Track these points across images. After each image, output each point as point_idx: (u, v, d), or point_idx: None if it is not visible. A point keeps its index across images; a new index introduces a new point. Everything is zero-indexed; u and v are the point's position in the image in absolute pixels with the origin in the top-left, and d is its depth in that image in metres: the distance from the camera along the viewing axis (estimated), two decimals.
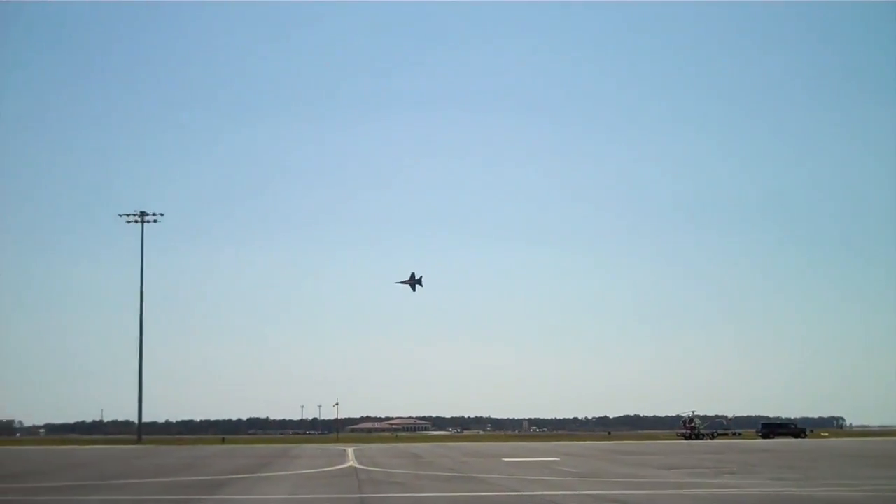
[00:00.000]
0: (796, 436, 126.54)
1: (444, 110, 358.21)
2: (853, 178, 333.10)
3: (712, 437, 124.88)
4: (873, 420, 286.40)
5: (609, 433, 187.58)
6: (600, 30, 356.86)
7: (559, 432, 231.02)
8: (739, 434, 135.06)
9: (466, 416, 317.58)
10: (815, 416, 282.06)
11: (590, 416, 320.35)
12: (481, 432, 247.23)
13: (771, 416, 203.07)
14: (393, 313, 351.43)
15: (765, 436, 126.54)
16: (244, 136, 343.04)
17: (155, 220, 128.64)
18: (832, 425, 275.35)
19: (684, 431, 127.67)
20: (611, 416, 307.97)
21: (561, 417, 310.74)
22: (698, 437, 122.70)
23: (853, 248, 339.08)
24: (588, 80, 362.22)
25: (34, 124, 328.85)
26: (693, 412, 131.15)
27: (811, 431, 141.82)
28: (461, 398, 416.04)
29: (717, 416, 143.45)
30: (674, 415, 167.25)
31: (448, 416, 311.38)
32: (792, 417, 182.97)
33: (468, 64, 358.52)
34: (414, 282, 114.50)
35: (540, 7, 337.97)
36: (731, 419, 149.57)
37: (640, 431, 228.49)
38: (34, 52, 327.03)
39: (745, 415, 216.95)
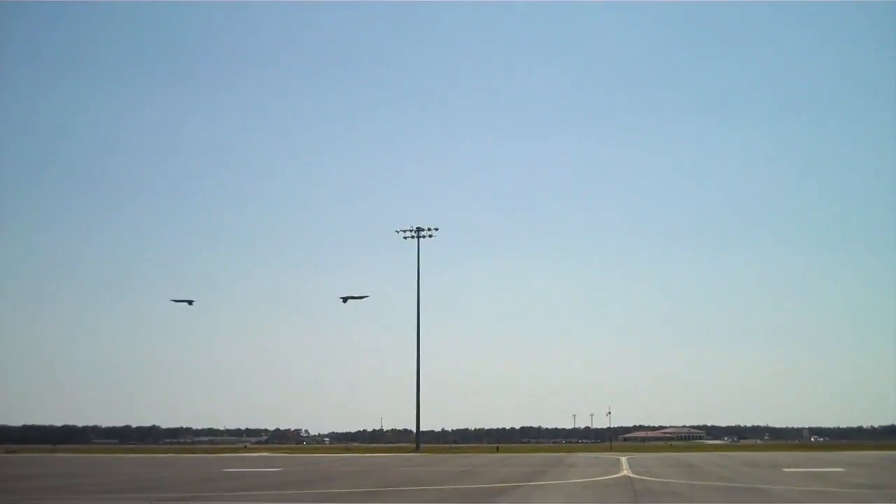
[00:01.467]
0: None
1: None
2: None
3: None
4: None
5: None
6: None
7: (843, 441, 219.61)
8: None
9: (742, 424, 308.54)
10: None
11: (876, 425, 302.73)
12: (759, 441, 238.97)
13: None
14: (657, 319, 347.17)
15: None
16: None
17: (430, 235, 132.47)
18: None
19: None
20: None
21: (844, 426, 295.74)
22: None
23: None
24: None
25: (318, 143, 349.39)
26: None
27: None
28: (737, 405, 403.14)
29: None
30: None
31: (723, 424, 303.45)
32: None
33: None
34: (352, 298, 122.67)
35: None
36: None
37: None
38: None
39: None
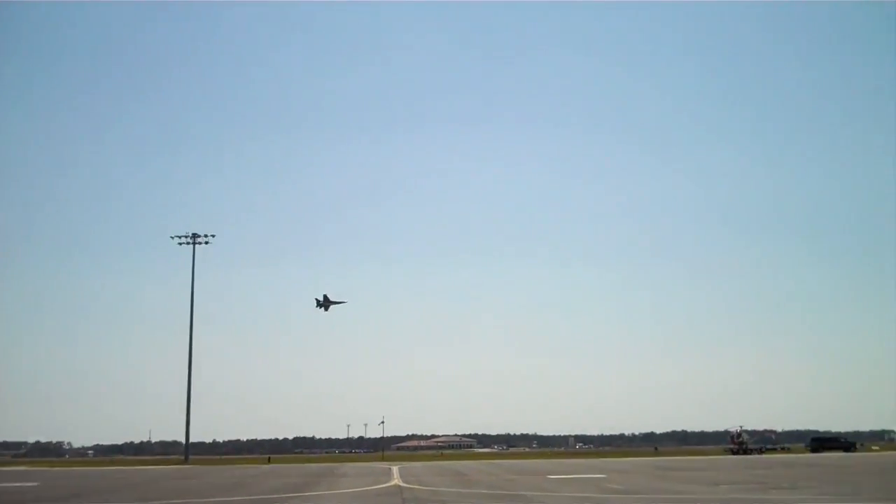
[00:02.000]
0: (846, 450, 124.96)
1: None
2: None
3: (760, 451, 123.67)
4: None
5: (656, 449, 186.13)
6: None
7: (605, 449, 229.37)
8: (788, 449, 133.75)
9: (512, 433, 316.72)
10: (866, 429, 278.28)
11: (636, 432, 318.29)
12: (527, 449, 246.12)
13: (820, 430, 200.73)
14: (437, 331, 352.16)
15: (814, 450, 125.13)
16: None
17: (206, 242, 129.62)
18: (883, 439, 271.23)
19: (732, 447, 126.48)
20: (657, 432, 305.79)
21: (607, 434, 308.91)
22: (746, 452, 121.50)
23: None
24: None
25: (90, 145, 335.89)
26: (741, 427, 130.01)
27: (861, 445, 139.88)
28: (506, 415, 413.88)
29: (765, 431, 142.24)
30: (722, 430, 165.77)
31: (493, 433, 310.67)
32: (842, 431, 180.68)
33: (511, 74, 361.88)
34: (327, 303, 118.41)
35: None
36: (779, 434, 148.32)
37: (687, 447, 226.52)
38: (88, 71, 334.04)
39: (793, 429, 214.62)
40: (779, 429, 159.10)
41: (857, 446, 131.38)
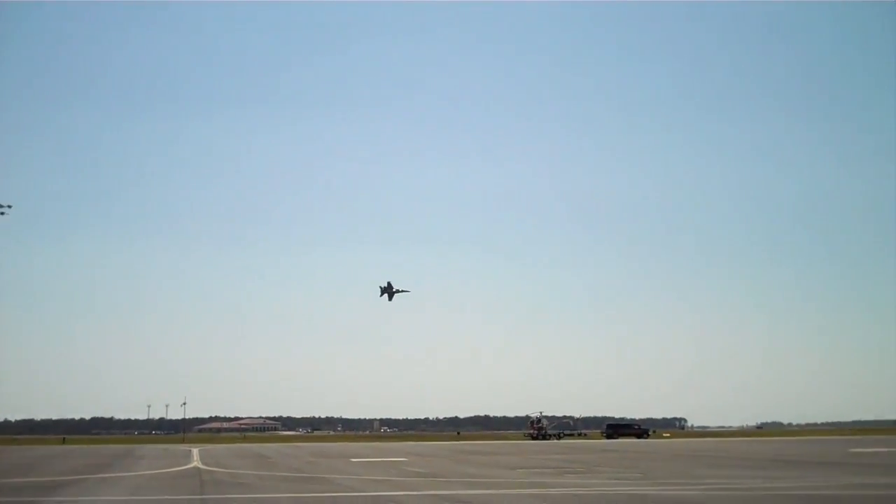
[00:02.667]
0: (639, 436, 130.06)
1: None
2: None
3: (559, 437, 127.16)
4: (713, 421, 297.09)
5: (458, 433, 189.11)
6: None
7: (409, 432, 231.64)
8: (585, 434, 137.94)
9: (317, 416, 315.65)
10: (659, 416, 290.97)
11: (440, 417, 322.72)
12: (332, 433, 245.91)
13: (616, 416, 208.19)
14: (241, 311, 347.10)
15: (609, 436, 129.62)
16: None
17: (1, 213, 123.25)
18: (675, 426, 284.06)
19: (532, 432, 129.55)
20: (461, 417, 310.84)
21: (412, 418, 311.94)
22: (545, 437, 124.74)
23: (702, 256, 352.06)
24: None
25: None
26: (541, 413, 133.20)
27: (654, 432, 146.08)
28: (312, 398, 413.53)
29: (564, 417, 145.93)
30: (522, 415, 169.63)
31: (298, 416, 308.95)
32: (636, 418, 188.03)
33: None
34: (390, 292, 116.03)
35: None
36: (577, 420, 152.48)
37: (489, 432, 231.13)
38: None
39: (591, 415, 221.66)
40: (577, 415, 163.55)
41: (650, 433, 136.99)
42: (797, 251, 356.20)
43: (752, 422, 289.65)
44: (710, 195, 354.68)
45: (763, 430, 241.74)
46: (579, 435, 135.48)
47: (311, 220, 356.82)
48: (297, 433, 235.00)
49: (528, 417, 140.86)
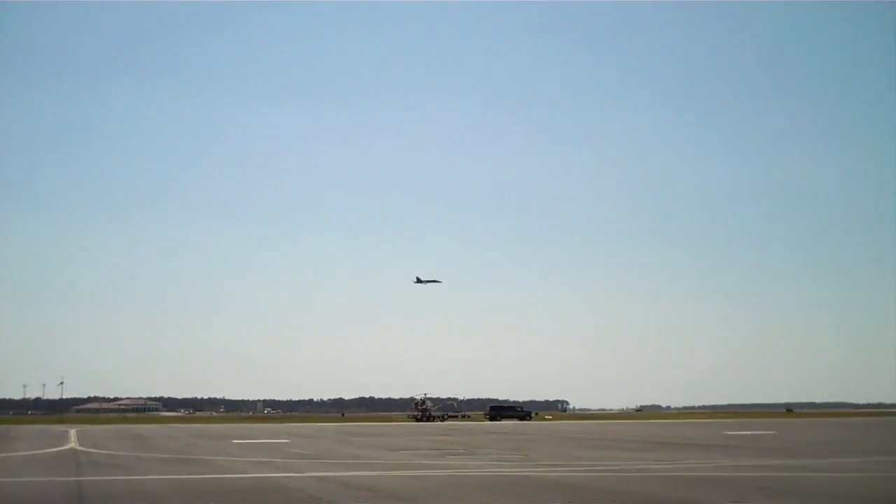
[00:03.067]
0: (522, 418, 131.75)
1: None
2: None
3: (443, 419, 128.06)
4: (594, 404, 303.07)
5: (343, 415, 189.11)
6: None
7: (293, 414, 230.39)
8: (469, 416, 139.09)
9: (199, 396, 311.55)
10: (542, 399, 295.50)
11: (325, 398, 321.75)
12: (214, 414, 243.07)
13: (500, 399, 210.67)
14: (122, 289, 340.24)
15: (492, 418, 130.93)
16: None
17: None
18: (557, 408, 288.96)
19: (416, 413, 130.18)
20: (346, 398, 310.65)
21: (296, 399, 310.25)
22: (429, 419, 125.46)
23: (586, 240, 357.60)
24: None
25: None
26: (425, 395, 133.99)
27: (536, 414, 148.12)
28: (194, 379, 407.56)
29: (448, 399, 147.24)
30: (407, 397, 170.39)
31: (180, 396, 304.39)
32: (520, 401, 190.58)
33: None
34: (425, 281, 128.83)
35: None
36: (461, 402, 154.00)
37: (373, 413, 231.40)
38: None
39: (475, 397, 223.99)
40: (461, 397, 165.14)
41: (533, 415, 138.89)
42: (684, 237, 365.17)
43: (632, 405, 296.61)
44: (597, 185, 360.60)
45: (642, 412, 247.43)
46: (463, 417, 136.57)
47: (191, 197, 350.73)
48: (179, 414, 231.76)
49: (412, 399, 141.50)
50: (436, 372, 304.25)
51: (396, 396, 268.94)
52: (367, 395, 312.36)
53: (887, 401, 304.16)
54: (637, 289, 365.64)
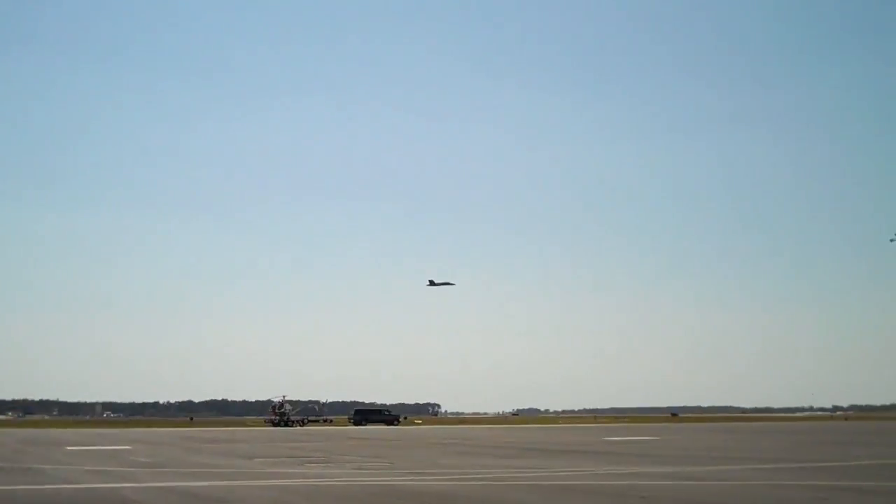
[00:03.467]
0: (389, 423, 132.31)
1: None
2: None
3: (303, 423, 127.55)
4: (468, 407, 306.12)
5: (191, 419, 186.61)
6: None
7: (136, 418, 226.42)
8: (331, 421, 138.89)
9: (30, 398, 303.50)
10: (412, 402, 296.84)
11: (172, 401, 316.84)
12: (46, 417, 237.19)
13: (366, 402, 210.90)
14: None
15: (357, 422, 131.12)
16: None
17: None
18: (428, 412, 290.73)
19: (273, 418, 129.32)
20: (195, 401, 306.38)
21: (140, 401, 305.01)
22: (287, 423, 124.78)
23: (459, 236, 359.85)
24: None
25: None
26: (284, 397, 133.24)
27: (405, 418, 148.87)
28: (23, 378, 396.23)
29: (309, 402, 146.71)
30: (264, 399, 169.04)
31: (8, 398, 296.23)
32: (387, 403, 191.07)
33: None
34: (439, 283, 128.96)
35: None
36: (324, 404, 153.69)
37: (226, 417, 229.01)
38: None
39: (339, 400, 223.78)
40: (324, 399, 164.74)
41: (401, 419, 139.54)
42: (561, 234, 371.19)
43: (508, 408, 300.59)
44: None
45: (519, 416, 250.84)
46: (325, 421, 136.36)
47: None
48: (6, 417, 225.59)
49: (269, 402, 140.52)
50: (296, 373, 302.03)
51: (252, 399, 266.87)
52: (219, 398, 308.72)
53: (775, 405, 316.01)
54: (513, 288, 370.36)
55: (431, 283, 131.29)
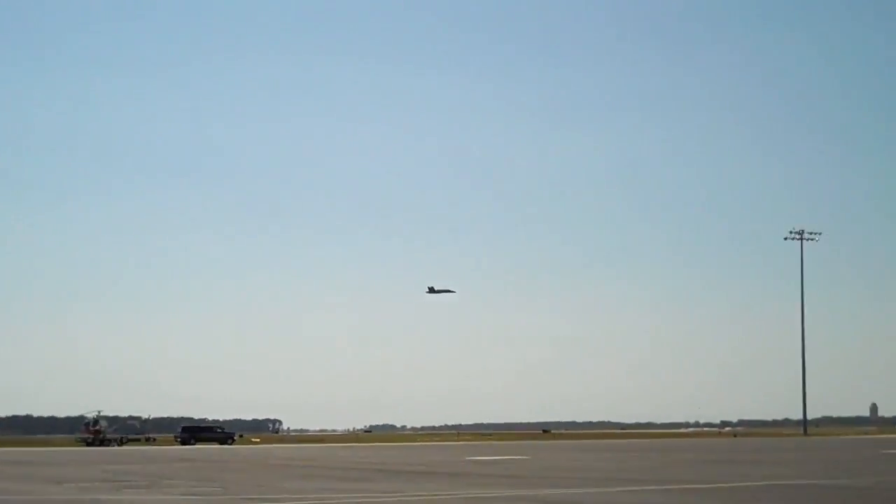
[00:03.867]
0: (223, 441, 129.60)
1: None
2: None
3: (121, 442, 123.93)
4: (314, 423, 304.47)
5: None
6: None
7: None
8: (155, 440, 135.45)
9: None
10: (250, 418, 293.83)
11: (68, 415, 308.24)
12: None
13: (196, 417, 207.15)
14: None
15: (185, 441, 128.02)
16: None
17: None
18: (267, 429, 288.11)
19: (87, 436, 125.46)
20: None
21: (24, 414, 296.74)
22: (103, 442, 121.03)
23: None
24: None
25: None
26: (99, 412, 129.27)
27: (241, 436, 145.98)
28: None
29: (129, 418, 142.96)
30: (77, 415, 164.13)
31: None
32: (220, 420, 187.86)
33: None
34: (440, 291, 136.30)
35: None
36: (146, 421, 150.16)
37: (30, 437, 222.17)
38: None
39: (165, 416, 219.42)
40: (146, 415, 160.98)
41: (236, 437, 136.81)
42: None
43: (360, 424, 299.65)
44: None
45: (372, 433, 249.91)
46: (147, 440, 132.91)
47: None
48: None
49: (82, 418, 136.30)
50: (116, 385, 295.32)
51: (62, 415, 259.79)
52: (21, 414, 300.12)
53: (657, 420, 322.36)
54: (372, 293, 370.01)
55: (431, 289, 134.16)
